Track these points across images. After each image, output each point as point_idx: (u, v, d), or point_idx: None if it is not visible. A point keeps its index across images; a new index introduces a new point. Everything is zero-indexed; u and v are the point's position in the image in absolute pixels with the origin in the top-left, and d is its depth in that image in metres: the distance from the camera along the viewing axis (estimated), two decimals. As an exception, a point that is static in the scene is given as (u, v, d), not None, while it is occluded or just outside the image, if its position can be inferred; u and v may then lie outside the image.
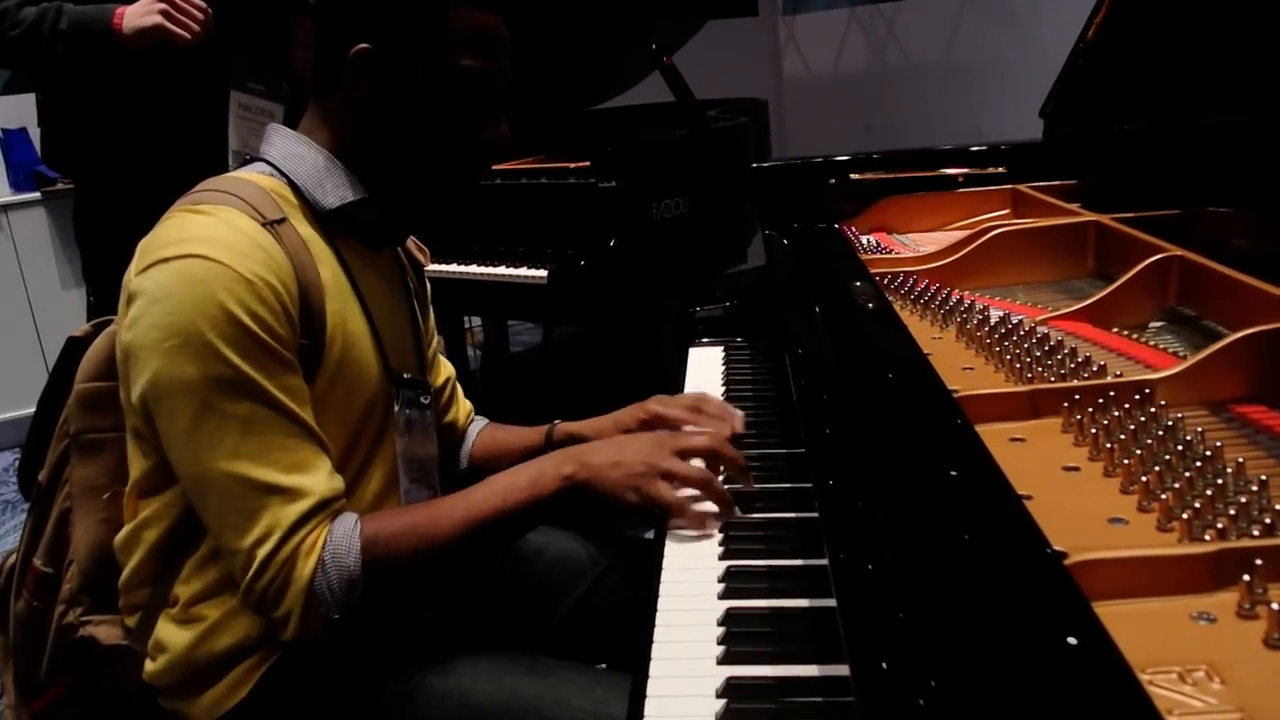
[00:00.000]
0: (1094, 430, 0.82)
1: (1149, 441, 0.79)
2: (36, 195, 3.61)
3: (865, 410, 0.90)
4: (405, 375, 1.08)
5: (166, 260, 0.90)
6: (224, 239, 0.91)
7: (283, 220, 0.97)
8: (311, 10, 1.03)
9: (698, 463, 1.04)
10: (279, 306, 0.92)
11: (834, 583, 0.69)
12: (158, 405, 0.91)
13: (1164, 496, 0.70)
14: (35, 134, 3.58)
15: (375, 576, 0.95)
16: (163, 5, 1.88)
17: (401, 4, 0.99)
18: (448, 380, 1.32)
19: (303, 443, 0.93)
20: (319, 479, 0.94)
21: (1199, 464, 0.74)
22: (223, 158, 2.03)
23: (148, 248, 0.93)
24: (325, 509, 0.94)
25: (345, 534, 0.94)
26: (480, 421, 1.37)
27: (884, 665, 0.56)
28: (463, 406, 1.35)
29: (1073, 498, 0.75)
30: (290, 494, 0.91)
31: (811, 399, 0.99)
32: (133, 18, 1.88)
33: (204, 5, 1.95)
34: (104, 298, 2.10)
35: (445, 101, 1.02)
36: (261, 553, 0.90)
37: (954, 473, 0.70)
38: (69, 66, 1.93)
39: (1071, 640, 0.50)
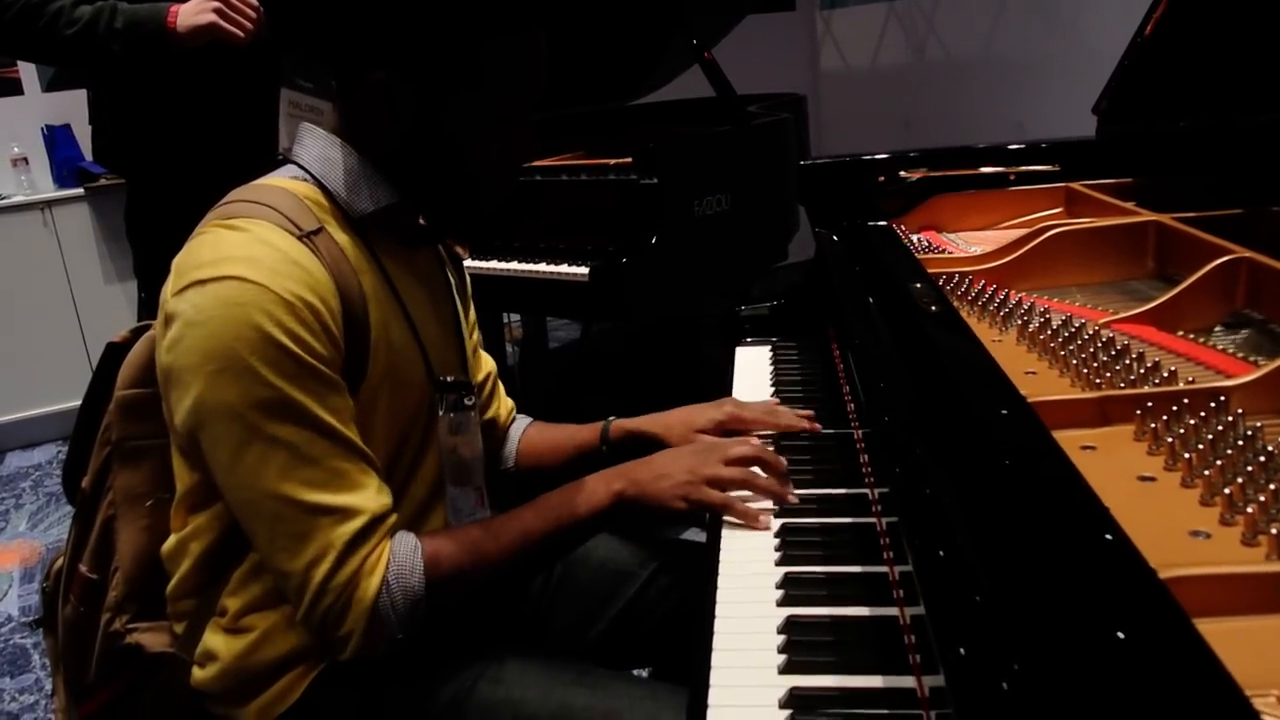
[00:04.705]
0: (1170, 439, 0.80)
1: (1228, 451, 0.77)
2: (80, 191, 3.65)
3: (932, 408, 0.88)
4: (448, 378, 1.07)
5: (203, 282, 0.88)
6: (260, 258, 0.89)
7: (319, 230, 0.95)
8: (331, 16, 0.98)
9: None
10: (318, 325, 0.90)
11: (914, 567, 0.69)
12: (202, 430, 0.89)
13: (1249, 510, 0.68)
14: (79, 130, 3.65)
15: (437, 595, 0.95)
16: (217, 4, 1.89)
17: (428, 43, 0.93)
18: (488, 375, 1.31)
19: (349, 461, 0.92)
20: (368, 496, 0.93)
21: (1283, 475, 0.72)
22: (273, 154, 2.04)
23: (183, 267, 0.91)
24: (379, 526, 0.93)
25: (408, 554, 0.94)
26: (524, 420, 1.35)
27: (964, 650, 0.56)
28: (504, 404, 1.34)
29: (1151, 509, 0.73)
30: (341, 514, 0.91)
31: (873, 388, 0.98)
32: (187, 16, 1.88)
33: (256, 4, 1.95)
34: (155, 295, 2.11)
35: (472, 134, 0.99)
36: (318, 574, 0.90)
37: (1029, 472, 0.69)
38: (123, 65, 1.94)
39: (1158, 639, 0.50)
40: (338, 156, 1.00)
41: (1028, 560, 0.61)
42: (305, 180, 1.00)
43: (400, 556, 0.94)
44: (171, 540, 1.01)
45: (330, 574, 0.90)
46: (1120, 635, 0.50)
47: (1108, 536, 0.59)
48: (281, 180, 1.00)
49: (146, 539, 1.04)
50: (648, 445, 1.22)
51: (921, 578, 0.68)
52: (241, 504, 0.91)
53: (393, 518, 0.96)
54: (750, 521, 1.00)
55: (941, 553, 0.65)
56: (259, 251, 0.89)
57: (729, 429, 1.20)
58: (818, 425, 1.20)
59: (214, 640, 0.99)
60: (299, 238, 0.92)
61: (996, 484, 0.70)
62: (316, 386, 0.90)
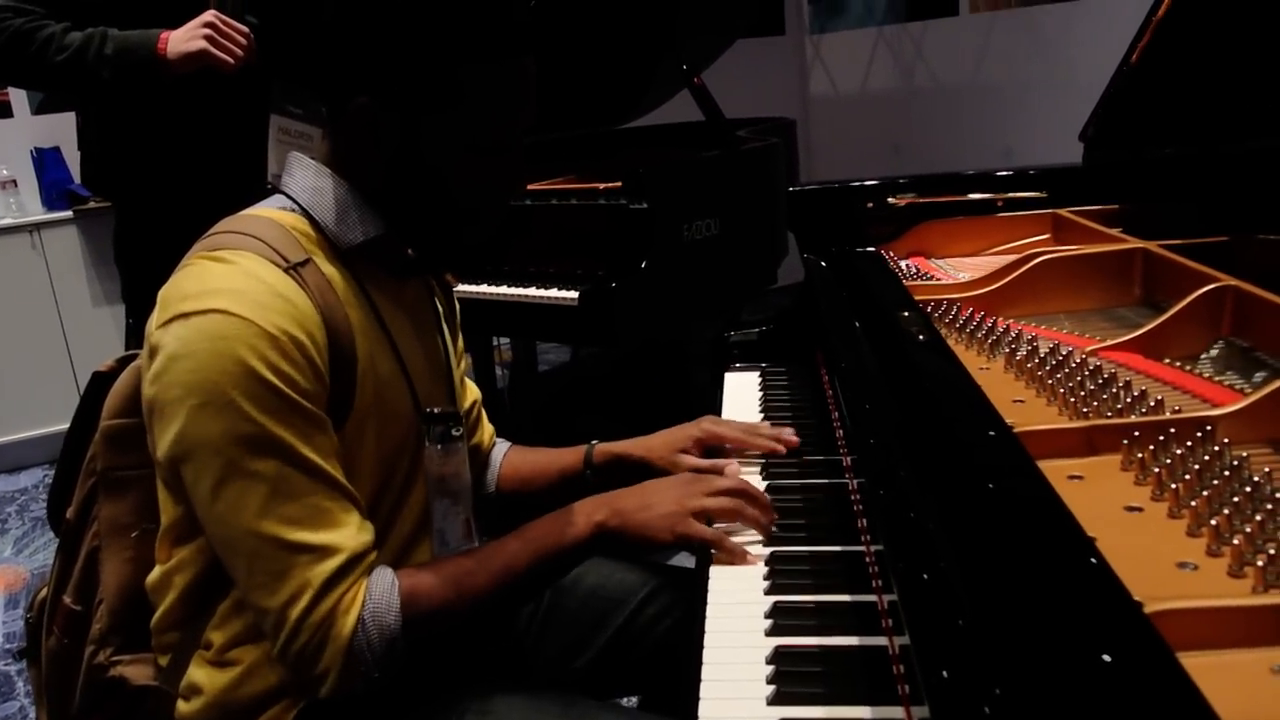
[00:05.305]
0: (1157, 469, 0.80)
1: (1214, 481, 0.77)
2: (69, 214, 3.64)
3: (917, 432, 0.88)
4: (435, 410, 1.06)
5: (187, 315, 0.87)
6: (245, 291, 0.88)
7: (306, 262, 0.94)
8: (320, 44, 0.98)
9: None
10: (304, 360, 0.89)
11: (897, 590, 0.70)
12: (184, 464, 0.88)
13: (1235, 541, 0.68)
14: (68, 153, 3.65)
15: (415, 632, 0.94)
16: (207, 31, 1.89)
17: (405, 66, 0.93)
18: (474, 404, 1.30)
19: (330, 498, 0.91)
20: (348, 534, 0.92)
21: (1269, 506, 0.72)
22: (263, 181, 2.04)
23: (168, 299, 0.91)
24: (357, 565, 0.92)
25: (384, 591, 0.93)
26: (504, 444, 1.34)
27: (946, 674, 0.56)
28: (486, 430, 1.33)
29: (1138, 540, 0.73)
30: (320, 552, 0.89)
31: (859, 412, 0.98)
32: (177, 43, 1.89)
33: (247, 30, 1.96)
34: (143, 321, 2.10)
35: (455, 161, 0.98)
36: (294, 612, 0.88)
37: (1012, 496, 0.69)
38: (114, 91, 1.94)
39: (1141, 664, 0.50)
40: (326, 187, 1.00)
41: (1011, 584, 0.61)
42: (293, 211, 0.99)
43: (376, 594, 0.92)
44: (156, 572, 1.00)
45: (306, 612, 0.88)
46: (1104, 659, 0.51)
47: (1091, 560, 0.60)
48: (269, 211, 0.99)
49: (131, 570, 1.03)
50: (631, 468, 1.21)
51: (905, 601, 0.68)
52: (221, 539, 0.90)
53: (372, 555, 0.94)
54: (738, 560, 1.00)
55: (925, 576, 0.66)
56: (244, 284, 0.88)
57: (707, 445, 1.20)
58: (796, 440, 1.21)
59: (199, 673, 0.97)
60: (285, 270, 0.91)
61: (980, 508, 0.71)
62: (299, 422, 0.89)
